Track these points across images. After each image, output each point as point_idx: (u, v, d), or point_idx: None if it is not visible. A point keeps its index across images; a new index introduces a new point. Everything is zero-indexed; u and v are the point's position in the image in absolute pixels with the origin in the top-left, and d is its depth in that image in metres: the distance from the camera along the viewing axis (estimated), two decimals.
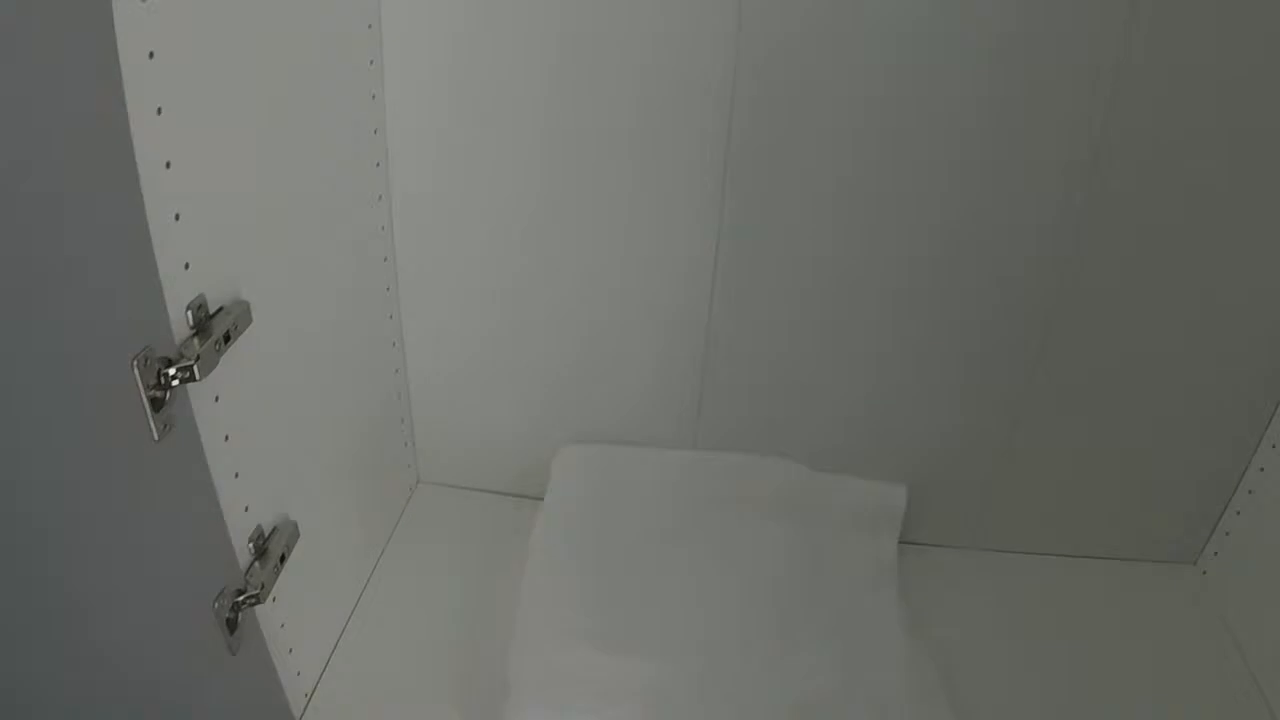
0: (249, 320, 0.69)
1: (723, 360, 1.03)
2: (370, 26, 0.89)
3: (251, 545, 0.74)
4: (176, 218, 0.60)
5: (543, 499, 1.07)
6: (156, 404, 0.58)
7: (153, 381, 0.58)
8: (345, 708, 0.88)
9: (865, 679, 0.88)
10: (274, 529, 0.77)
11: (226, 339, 0.65)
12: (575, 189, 0.96)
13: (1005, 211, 0.90)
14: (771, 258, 0.96)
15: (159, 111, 0.56)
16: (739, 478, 1.07)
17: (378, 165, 0.95)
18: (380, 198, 0.97)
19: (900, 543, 1.05)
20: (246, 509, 0.73)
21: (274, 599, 0.76)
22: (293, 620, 0.82)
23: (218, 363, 0.63)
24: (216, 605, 0.68)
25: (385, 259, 1.01)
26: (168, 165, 0.58)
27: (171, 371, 0.59)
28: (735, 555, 1.01)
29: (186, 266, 0.62)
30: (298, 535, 0.79)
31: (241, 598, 0.70)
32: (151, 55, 0.55)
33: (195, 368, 0.60)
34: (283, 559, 0.76)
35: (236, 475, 0.70)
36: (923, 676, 0.88)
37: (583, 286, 1.01)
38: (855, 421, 1.05)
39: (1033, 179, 0.88)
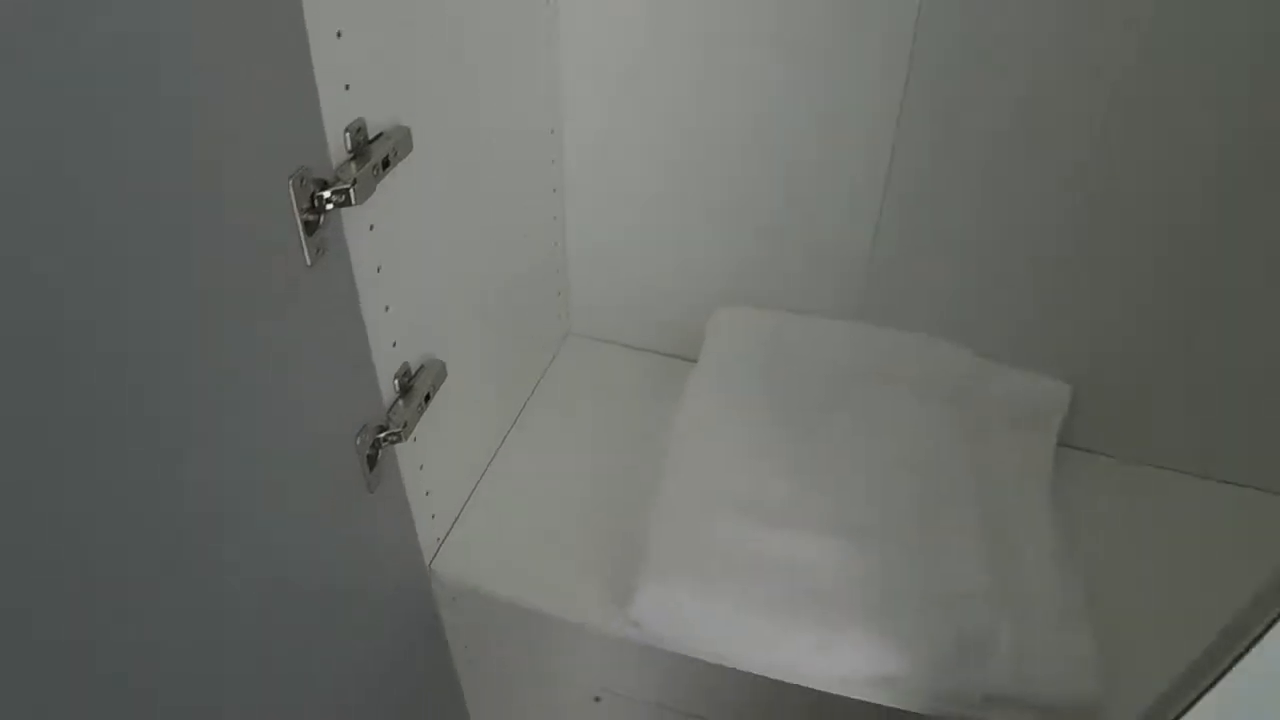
0: (409, 148, 0.68)
1: (895, 232, 0.98)
2: None
3: (397, 382, 0.75)
4: (338, 35, 0.59)
5: (696, 360, 1.06)
6: (310, 228, 0.58)
7: (307, 204, 0.57)
8: (476, 556, 0.90)
9: (1010, 579, 0.85)
10: (420, 367, 0.78)
11: (385, 165, 0.64)
12: (752, 43, 0.90)
13: None
14: (956, 134, 0.89)
15: None
16: (901, 356, 1.03)
17: (548, 3, 0.92)
18: (549, 40, 0.94)
19: (1059, 445, 1.00)
20: (394, 344, 0.73)
21: (415, 439, 0.78)
22: (432, 462, 0.83)
23: (374, 190, 0.63)
24: (358, 440, 0.69)
25: (552, 102, 0.98)
26: None
27: (326, 194, 0.58)
28: (890, 435, 0.98)
29: (347, 88, 0.61)
30: (444, 375, 0.80)
31: (383, 435, 0.72)
32: None
33: (351, 192, 0.59)
34: (427, 399, 0.77)
35: (386, 309, 0.71)
36: (1067, 584, 0.86)
37: (754, 146, 0.97)
38: (1024, 313, 0.99)
39: None
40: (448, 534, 0.92)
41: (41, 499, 0.43)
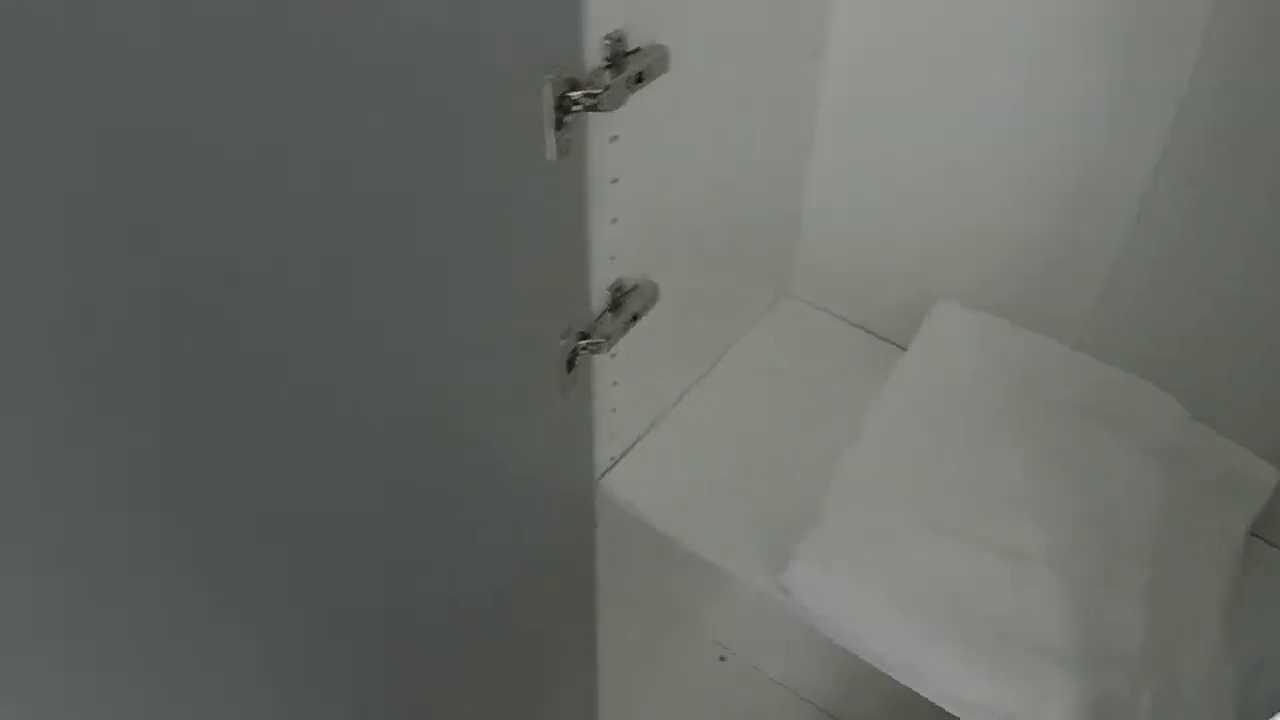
0: (664, 68, 0.70)
1: (1136, 268, 0.93)
2: None
3: (609, 294, 0.78)
4: None
5: (906, 348, 1.05)
6: (557, 125, 0.61)
7: (556, 102, 0.60)
8: (645, 484, 0.93)
9: (1165, 655, 0.81)
10: (635, 286, 0.80)
11: (639, 80, 0.67)
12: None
13: None
14: (1243, 167, 0.83)
15: None
16: (1112, 395, 0.99)
17: None
18: None
19: (1249, 533, 0.94)
20: (612, 258, 0.76)
21: (614, 355, 0.81)
22: (624, 382, 0.86)
23: (624, 102, 0.65)
24: (562, 341, 0.73)
25: (813, 54, 0.98)
26: None
27: (576, 95, 0.61)
28: (1081, 474, 0.94)
29: None
30: (655, 300, 0.82)
31: (586, 342, 0.75)
32: None
33: (602, 98, 0.62)
34: (635, 318, 0.80)
35: (613, 221, 0.74)
36: (1221, 676, 0.81)
37: (1018, 147, 0.93)
38: (1248, 382, 0.93)
39: None
40: (622, 456, 0.95)
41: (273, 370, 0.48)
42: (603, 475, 0.93)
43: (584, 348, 0.75)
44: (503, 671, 0.90)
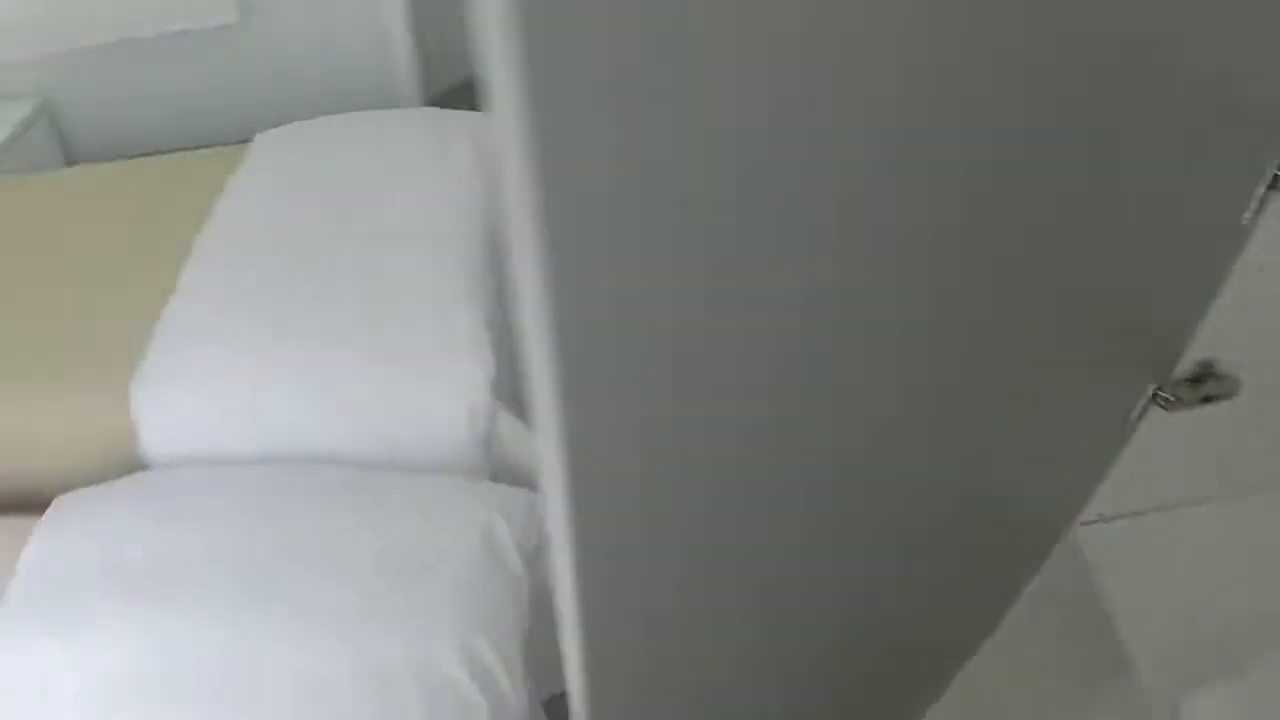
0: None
1: None
2: None
3: (1197, 366, 0.82)
4: None
5: None
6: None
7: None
8: (1110, 555, 0.97)
9: None
10: (1226, 375, 0.83)
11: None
12: None
13: None
14: None
15: None
16: None
17: None
18: None
19: None
20: (1212, 329, 0.80)
21: (1175, 415, 0.84)
22: (1158, 453, 0.89)
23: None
24: (1149, 385, 0.80)
25: None
26: None
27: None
28: None
29: None
30: (1233, 394, 0.84)
31: (1160, 394, 0.81)
32: None
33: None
34: (1207, 400, 0.83)
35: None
36: None
37: None
38: None
39: None
40: (1109, 519, 0.99)
41: None
42: (1081, 525, 0.97)
43: (1158, 397, 0.81)
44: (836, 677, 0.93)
